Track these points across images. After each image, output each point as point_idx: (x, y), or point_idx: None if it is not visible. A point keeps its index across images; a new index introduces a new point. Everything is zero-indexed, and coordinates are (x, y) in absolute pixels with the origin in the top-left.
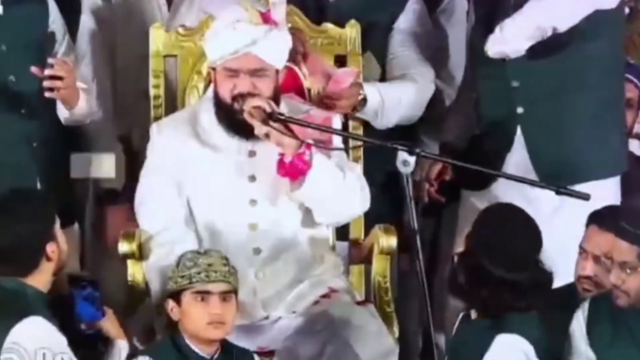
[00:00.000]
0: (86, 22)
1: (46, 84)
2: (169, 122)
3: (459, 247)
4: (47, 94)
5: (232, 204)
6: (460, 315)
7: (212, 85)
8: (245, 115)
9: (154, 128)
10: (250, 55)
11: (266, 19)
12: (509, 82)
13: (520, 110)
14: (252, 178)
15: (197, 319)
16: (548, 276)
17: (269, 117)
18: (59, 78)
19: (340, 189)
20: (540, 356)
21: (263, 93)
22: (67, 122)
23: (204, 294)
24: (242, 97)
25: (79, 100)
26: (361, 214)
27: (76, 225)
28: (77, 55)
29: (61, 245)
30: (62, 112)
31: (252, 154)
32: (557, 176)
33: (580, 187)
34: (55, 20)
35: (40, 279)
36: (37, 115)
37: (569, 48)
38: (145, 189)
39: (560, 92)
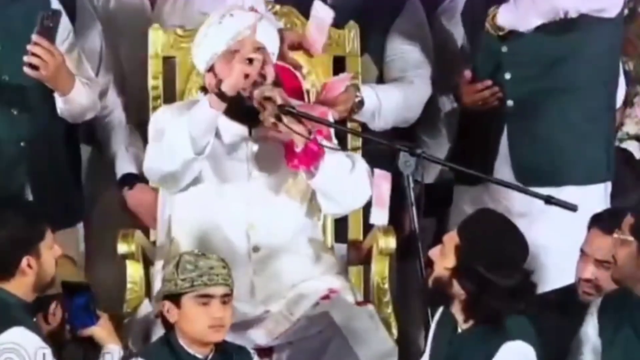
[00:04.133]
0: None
1: (26, 59)
2: (172, 107)
3: (449, 262)
4: (25, 69)
5: (230, 204)
6: (436, 320)
7: (213, 86)
8: (255, 104)
9: (158, 111)
10: (250, 39)
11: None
12: (503, 73)
13: (510, 102)
14: (250, 177)
15: (198, 322)
16: (534, 280)
17: (280, 109)
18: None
19: (351, 176)
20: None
21: (268, 76)
22: (64, 114)
23: (206, 298)
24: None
25: (73, 89)
26: (365, 202)
27: (80, 225)
28: (80, 53)
29: (44, 263)
30: (58, 102)
31: (250, 153)
32: (532, 173)
33: (558, 191)
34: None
35: (20, 290)
36: (29, 115)
37: (566, 50)
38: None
39: (550, 92)
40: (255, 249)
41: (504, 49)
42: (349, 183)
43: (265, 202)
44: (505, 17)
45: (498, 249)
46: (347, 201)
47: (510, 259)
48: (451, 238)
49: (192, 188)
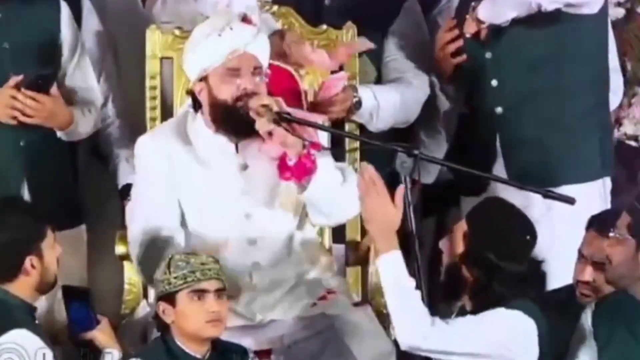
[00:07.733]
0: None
1: (19, 106)
2: (155, 134)
3: (457, 249)
4: (20, 117)
5: (228, 219)
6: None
7: (204, 96)
8: (251, 113)
9: (139, 142)
10: (247, 54)
11: (248, 22)
12: (489, 80)
13: (499, 110)
14: (245, 191)
15: (195, 318)
16: (543, 268)
17: (276, 117)
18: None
19: (341, 189)
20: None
21: (263, 93)
22: (62, 138)
23: (200, 293)
24: (246, 96)
25: (72, 124)
26: (357, 214)
27: (83, 227)
28: (88, 63)
29: (47, 262)
30: (59, 132)
31: (244, 167)
32: (527, 177)
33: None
34: (67, 26)
35: (22, 291)
36: None
37: (550, 51)
38: (139, 195)
39: (539, 94)
40: (255, 263)
41: (488, 55)
42: (339, 197)
43: (262, 218)
44: (484, 11)
45: (506, 235)
46: (335, 214)
47: (518, 245)
48: (460, 226)
49: (186, 206)
